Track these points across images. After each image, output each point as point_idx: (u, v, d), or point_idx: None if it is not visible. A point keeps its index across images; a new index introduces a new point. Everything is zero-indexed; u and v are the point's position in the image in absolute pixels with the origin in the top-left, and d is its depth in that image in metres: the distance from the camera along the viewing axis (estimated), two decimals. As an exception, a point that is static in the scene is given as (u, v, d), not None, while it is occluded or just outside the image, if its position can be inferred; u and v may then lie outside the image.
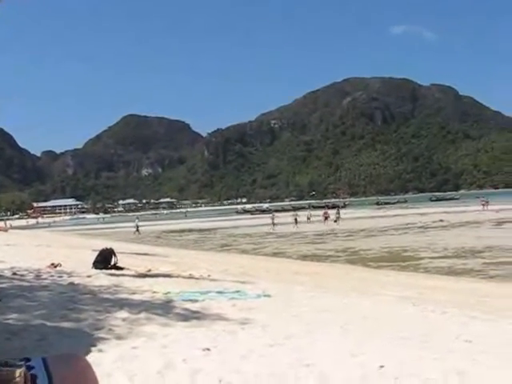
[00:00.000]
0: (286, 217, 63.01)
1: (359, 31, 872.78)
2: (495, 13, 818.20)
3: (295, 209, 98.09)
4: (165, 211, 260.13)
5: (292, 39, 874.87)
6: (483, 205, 70.83)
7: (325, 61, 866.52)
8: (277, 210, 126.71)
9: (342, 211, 62.97)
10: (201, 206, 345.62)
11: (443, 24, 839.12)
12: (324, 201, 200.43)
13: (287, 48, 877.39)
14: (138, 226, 59.94)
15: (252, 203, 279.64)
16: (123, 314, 7.92)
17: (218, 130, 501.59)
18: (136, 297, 9.87)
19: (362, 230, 43.84)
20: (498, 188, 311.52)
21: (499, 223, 43.50)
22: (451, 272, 19.69)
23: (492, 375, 5.35)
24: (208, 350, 6.06)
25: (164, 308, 8.70)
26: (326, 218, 56.92)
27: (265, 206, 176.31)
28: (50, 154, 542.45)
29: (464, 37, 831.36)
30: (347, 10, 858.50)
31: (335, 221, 55.69)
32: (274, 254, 29.85)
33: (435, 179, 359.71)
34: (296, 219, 54.99)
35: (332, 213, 59.77)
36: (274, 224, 52.33)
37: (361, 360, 5.70)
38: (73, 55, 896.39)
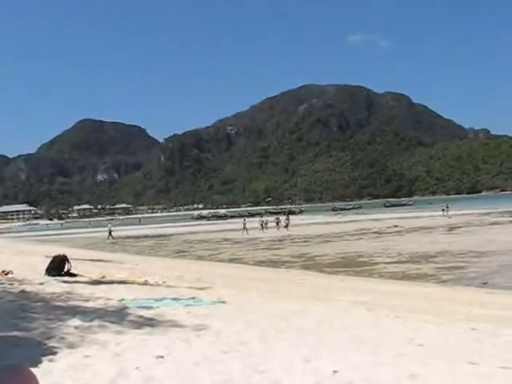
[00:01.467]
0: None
1: (316, 39, 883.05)
2: (449, 23, 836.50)
3: (253, 215, 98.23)
4: (120, 217, 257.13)
5: (250, 46, 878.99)
6: (443, 210, 72.70)
7: (282, 68, 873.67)
8: (233, 216, 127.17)
9: (298, 217, 63.27)
10: (157, 212, 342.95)
11: (398, 33, 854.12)
12: (280, 207, 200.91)
13: (245, 55, 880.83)
14: (111, 231, 59.64)
15: (208, 209, 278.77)
16: (76, 321, 7.78)
17: (174, 135, 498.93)
18: (89, 304, 9.72)
19: (317, 236, 44.11)
20: (449, 194, 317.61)
21: (451, 228, 44.34)
22: (405, 277, 19.95)
23: (442, 378, 5.44)
24: (162, 357, 6.00)
25: (118, 315, 8.59)
26: (278, 224, 57.53)
27: (221, 211, 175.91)
28: (1, 158, 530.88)
29: (418, 46, 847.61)
30: (304, 19, 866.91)
31: (285, 226, 56.23)
32: (231, 260, 29.79)
33: (390, 185, 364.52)
34: (262, 224, 55.35)
35: (283, 219, 60.25)
36: (246, 229, 52.23)
37: (315, 365, 5.72)
38: (26, 57, 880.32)
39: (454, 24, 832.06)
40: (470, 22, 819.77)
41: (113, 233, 59.75)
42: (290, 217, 63.06)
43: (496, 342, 7.87)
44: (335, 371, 5.46)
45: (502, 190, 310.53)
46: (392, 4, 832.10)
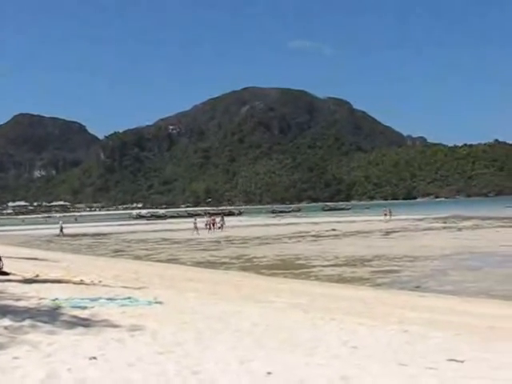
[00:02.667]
0: (183, 223, 62.66)
1: (260, 43, 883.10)
2: (390, 31, 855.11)
3: (193, 215, 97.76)
4: (57, 214, 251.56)
5: (194, 45, 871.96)
6: (385, 214, 74.80)
7: (225, 69, 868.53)
8: (172, 216, 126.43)
9: (237, 218, 63.66)
10: (95, 210, 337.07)
11: (340, 40, 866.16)
12: (220, 208, 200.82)
13: (189, 54, 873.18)
14: (62, 228, 60.57)
15: (148, 209, 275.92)
16: (6, 321, 7.57)
17: (115, 133, 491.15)
18: (21, 303, 9.48)
19: (256, 238, 44.27)
20: (386, 199, 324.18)
21: (387, 233, 45.23)
22: (341, 280, 20.22)
23: (374, 380, 5.54)
24: (94, 358, 5.90)
25: (51, 315, 8.40)
26: (213, 225, 58.07)
27: (160, 211, 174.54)
28: None
29: (360, 53, 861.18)
30: (249, 22, 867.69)
31: (219, 227, 56.67)
32: (169, 261, 29.56)
33: (329, 189, 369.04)
34: (208, 224, 55.96)
35: (219, 220, 60.68)
36: (196, 228, 52.20)
37: (249, 367, 5.74)
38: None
39: (395, 31, 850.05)
40: (408, 29, 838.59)
41: (58, 230, 60.37)
42: (230, 218, 63.26)
43: (426, 344, 8.07)
44: (269, 372, 5.50)
45: (437, 197, 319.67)
46: (335, 11, 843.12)
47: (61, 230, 60.14)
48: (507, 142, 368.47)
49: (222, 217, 64.07)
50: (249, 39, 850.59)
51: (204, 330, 8.00)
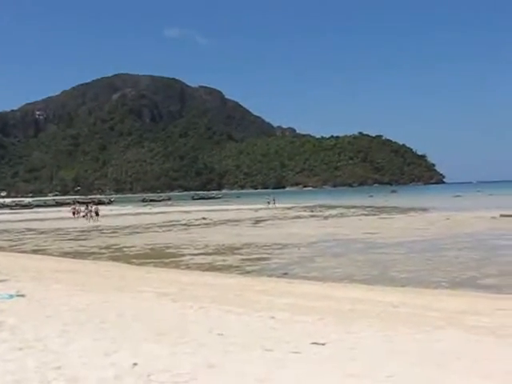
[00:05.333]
0: (50, 212, 60.47)
1: (134, 29, 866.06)
2: (259, 23, 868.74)
3: (61, 204, 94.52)
4: None
5: (63, 27, 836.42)
6: (268, 202, 76.78)
7: (96, 54, 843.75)
8: (39, 205, 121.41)
9: (108, 207, 62.50)
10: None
11: (215, 30, 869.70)
12: (89, 197, 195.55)
13: (58, 35, 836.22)
14: None
15: (12, 197, 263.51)
16: None
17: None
18: None
19: (126, 227, 43.52)
20: (257, 188, 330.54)
21: (257, 222, 46.03)
22: (211, 268, 20.32)
23: (239, 366, 5.63)
24: None
25: None
26: (77, 213, 57.19)
27: (26, 200, 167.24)
28: None
29: (232, 44, 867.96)
30: (124, 7, 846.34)
31: (84, 216, 55.79)
32: (34, 252, 28.35)
33: (200, 178, 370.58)
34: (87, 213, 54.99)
35: (83, 209, 59.98)
36: (77, 213, 51.89)
37: (115, 359, 5.65)
38: None
39: (265, 23, 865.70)
40: (280, 21, 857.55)
41: None
42: (100, 207, 61.90)
43: (291, 329, 8.32)
44: (135, 364, 5.44)
45: (305, 186, 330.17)
46: (210, 2, 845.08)
47: None
48: (370, 134, 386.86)
49: (87, 206, 62.91)
50: (122, 25, 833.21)
51: (69, 322, 7.77)
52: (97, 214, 54.49)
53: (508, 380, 5.71)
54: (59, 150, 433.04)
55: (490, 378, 5.72)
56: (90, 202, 79.67)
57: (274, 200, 78.82)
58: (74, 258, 25.17)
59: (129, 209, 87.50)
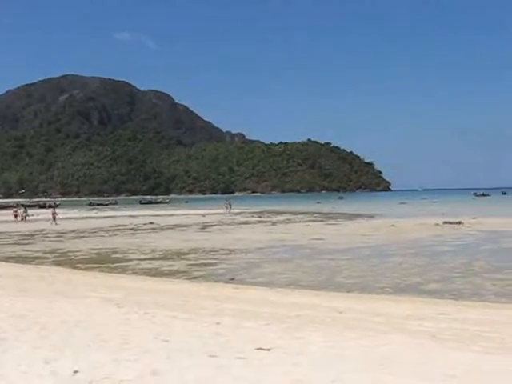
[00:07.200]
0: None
1: (84, 31, 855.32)
2: (215, 26, 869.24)
3: (4, 207, 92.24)
4: None
5: (10, 26, 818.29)
6: (226, 207, 76.44)
7: (43, 54, 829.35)
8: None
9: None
10: None
11: (165, 35, 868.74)
12: (34, 200, 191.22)
13: (2, 31, 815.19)
14: None
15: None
16: None
17: None
18: None
19: (72, 231, 42.74)
20: (205, 193, 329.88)
21: (205, 226, 45.91)
22: (158, 273, 20.12)
23: (184, 373, 5.58)
24: None
25: None
26: (15, 217, 56.33)
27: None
28: None
29: (183, 48, 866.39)
30: (72, 7, 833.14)
31: (22, 219, 55.25)
32: (-27, 256, 27.65)
33: (148, 182, 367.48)
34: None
35: (21, 212, 59.51)
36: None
37: (55, 366, 5.52)
38: None
39: (215, 28, 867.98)
40: (227, 26, 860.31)
41: None
42: (44, 211, 61.18)
43: (236, 335, 8.30)
44: (76, 371, 5.32)
45: (254, 192, 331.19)
46: (160, 7, 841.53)
47: None
48: (319, 141, 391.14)
49: (25, 208, 62.69)
50: (71, 25, 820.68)
51: (7, 329, 7.56)
52: (54, 219, 53.63)
53: (446, 381, 5.84)
54: (3, 152, 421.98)
55: (429, 380, 5.85)
56: (33, 205, 78.13)
57: (230, 204, 78.85)
58: (16, 262, 24.56)
59: (75, 212, 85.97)
